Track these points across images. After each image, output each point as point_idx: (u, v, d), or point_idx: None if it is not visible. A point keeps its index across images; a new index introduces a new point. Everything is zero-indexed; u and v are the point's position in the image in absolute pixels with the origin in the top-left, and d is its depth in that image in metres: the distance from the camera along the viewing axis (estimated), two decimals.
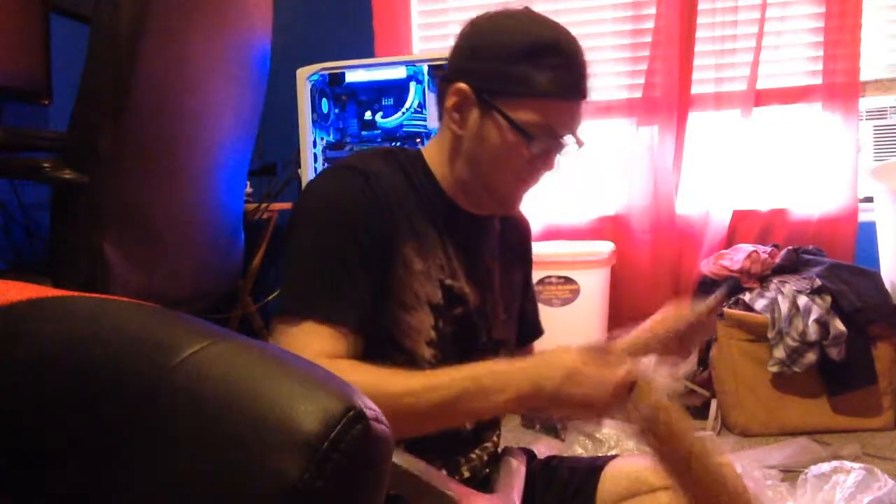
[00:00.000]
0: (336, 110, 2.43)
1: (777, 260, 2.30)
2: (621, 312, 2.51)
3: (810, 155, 2.57)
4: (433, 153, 1.00)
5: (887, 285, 2.19)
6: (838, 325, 2.08)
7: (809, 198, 2.56)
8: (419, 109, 2.36)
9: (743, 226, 2.61)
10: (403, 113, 2.37)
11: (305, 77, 2.31)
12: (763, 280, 2.27)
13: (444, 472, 0.94)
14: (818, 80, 2.54)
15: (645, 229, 2.65)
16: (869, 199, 2.47)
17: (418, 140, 2.36)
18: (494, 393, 0.82)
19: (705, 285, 2.38)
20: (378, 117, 2.40)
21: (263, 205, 2.47)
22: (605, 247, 2.47)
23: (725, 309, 2.20)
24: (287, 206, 2.57)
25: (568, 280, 2.34)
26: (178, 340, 0.47)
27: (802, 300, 2.12)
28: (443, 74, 0.98)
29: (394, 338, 0.92)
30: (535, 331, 1.20)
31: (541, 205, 2.68)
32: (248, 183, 2.38)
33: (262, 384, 0.44)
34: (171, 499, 0.42)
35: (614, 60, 2.73)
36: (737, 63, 2.61)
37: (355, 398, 0.43)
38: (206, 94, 1.61)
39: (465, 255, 0.99)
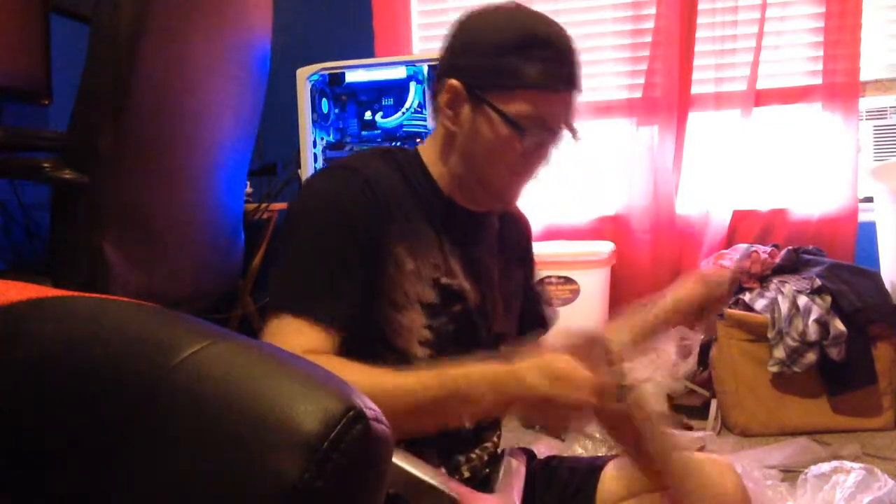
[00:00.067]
0: (336, 110, 2.43)
1: (777, 260, 2.30)
2: (621, 312, 2.51)
3: (810, 155, 2.57)
4: (429, 151, 1.00)
5: (887, 285, 2.19)
6: (838, 325, 2.08)
7: (809, 198, 2.56)
8: (419, 109, 2.36)
9: (743, 226, 2.61)
10: (403, 113, 2.37)
11: (305, 77, 2.31)
12: (763, 280, 2.27)
13: (443, 471, 0.94)
14: (818, 80, 2.54)
15: (645, 229, 2.65)
16: (869, 199, 2.47)
17: (418, 140, 2.36)
18: (469, 399, 0.81)
19: None
20: (378, 117, 2.40)
21: (263, 205, 2.47)
22: (605, 247, 2.47)
23: (725, 309, 2.20)
24: (287, 206, 2.57)
25: (568, 280, 2.34)
26: (178, 340, 0.47)
27: (802, 300, 2.12)
28: (435, 72, 0.99)
29: (385, 337, 0.92)
30: (545, 321, 1.20)
31: (541, 205, 2.68)
32: (248, 183, 2.38)
33: (262, 384, 0.44)
34: (171, 499, 0.42)
35: (614, 60, 2.73)
36: (737, 63, 2.61)
37: (355, 398, 0.43)
38: (206, 94, 1.61)
39: (463, 252, 0.99)
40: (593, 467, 1.04)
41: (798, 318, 2.10)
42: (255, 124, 1.88)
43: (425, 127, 2.35)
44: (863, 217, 2.48)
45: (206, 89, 1.61)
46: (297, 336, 0.84)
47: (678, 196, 2.64)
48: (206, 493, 0.41)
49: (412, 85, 2.35)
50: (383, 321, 0.92)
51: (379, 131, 2.40)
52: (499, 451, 1.07)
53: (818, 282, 2.15)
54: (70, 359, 0.48)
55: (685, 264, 2.62)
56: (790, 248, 2.33)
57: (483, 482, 1.00)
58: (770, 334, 2.12)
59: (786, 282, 2.20)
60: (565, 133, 0.96)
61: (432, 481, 0.79)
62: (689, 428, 2.16)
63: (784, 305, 2.12)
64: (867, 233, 2.43)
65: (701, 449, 2.01)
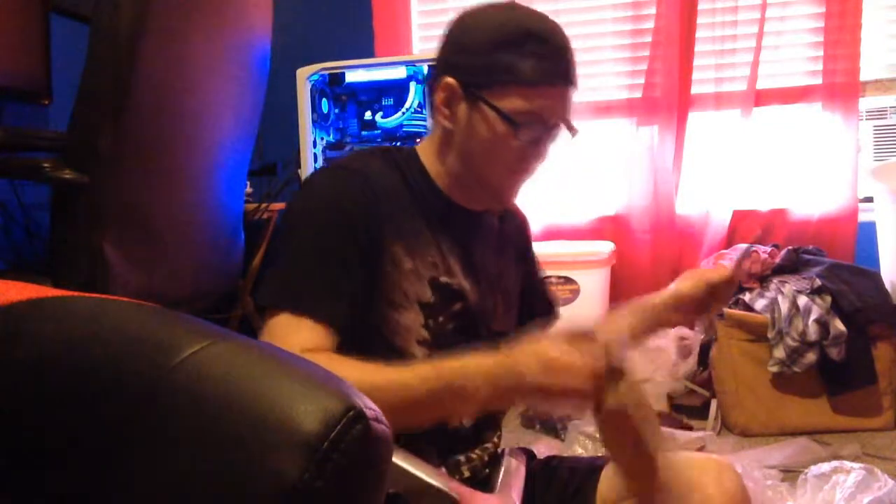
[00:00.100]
0: (336, 110, 2.43)
1: (777, 260, 2.30)
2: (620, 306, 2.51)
3: (810, 155, 2.57)
4: (427, 151, 1.01)
5: (887, 285, 2.19)
6: (838, 325, 2.08)
7: (809, 198, 2.56)
8: (419, 109, 2.36)
9: (743, 226, 2.61)
10: (403, 113, 2.37)
11: (305, 77, 2.31)
12: (763, 280, 2.27)
13: (444, 471, 0.94)
14: (818, 80, 2.54)
15: (645, 229, 2.65)
16: (869, 199, 2.47)
17: (418, 140, 2.36)
18: (464, 392, 0.80)
19: None
20: (378, 117, 2.40)
21: (263, 205, 2.47)
22: (605, 247, 2.47)
23: (725, 309, 2.20)
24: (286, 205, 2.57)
25: (568, 280, 2.34)
26: (178, 340, 0.47)
27: (802, 300, 2.12)
28: (431, 71, 0.99)
29: (384, 337, 0.92)
30: (549, 313, 1.20)
31: (541, 205, 2.68)
32: (248, 183, 2.38)
33: (262, 384, 0.44)
34: (171, 499, 0.42)
35: (614, 60, 2.73)
36: (737, 63, 2.61)
37: (355, 398, 0.43)
38: (206, 94, 1.61)
39: (462, 251, 1.00)
40: (593, 467, 1.04)
41: (798, 318, 2.10)
42: (255, 124, 1.88)
43: (425, 127, 2.35)
44: (863, 217, 2.48)
45: (206, 89, 1.61)
46: (296, 334, 0.84)
47: (678, 196, 2.64)
48: (206, 493, 0.41)
49: (412, 85, 2.35)
50: (382, 321, 0.92)
51: (379, 131, 2.40)
52: (499, 451, 1.07)
53: (818, 282, 2.15)
54: (70, 359, 0.48)
55: (685, 264, 2.62)
56: (790, 248, 2.33)
57: (483, 482, 1.00)
58: (770, 334, 2.12)
59: (786, 282, 2.20)
60: (562, 129, 0.97)
61: (432, 481, 0.79)
62: (689, 428, 2.16)
63: (784, 305, 2.12)
64: (867, 233, 2.43)
65: (701, 449, 2.01)
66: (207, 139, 1.66)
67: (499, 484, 0.98)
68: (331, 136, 2.43)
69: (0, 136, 1.54)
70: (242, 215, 1.94)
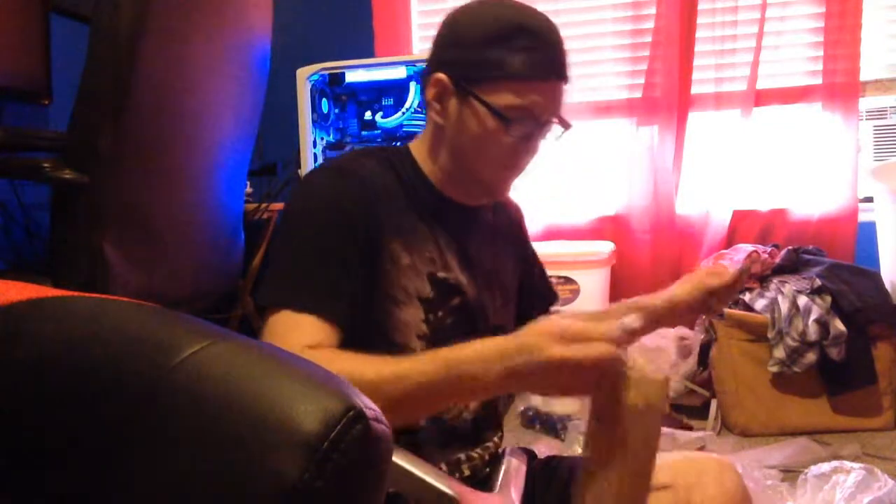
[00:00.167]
0: (336, 110, 2.43)
1: (777, 260, 2.30)
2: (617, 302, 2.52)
3: (810, 155, 2.57)
4: (420, 148, 1.01)
5: (887, 285, 2.19)
6: (838, 325, 2.08)
7: (809, 198, 2.56)
8: (419, 109, 2.36)
9: (743, 226, 2.61)
10: (403, 113, 2.37)
11: (305, 77, 2.31)
12: (763, 280, 2.27)
13: (444, 471, 0.94)
14: (818, 80, 2.54)
15: (645, 229, 2.65)
16: (869, 199, 2.47)
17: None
18: (476, 378, 0.77)
19: None
20: (378, 117, 2.40)
21: (263, 205, 2.47)
22: (605, 247, 2.47)
23: (725, 309, 2.20)
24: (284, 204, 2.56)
25: (568, 280, 2.34)
26: (178, 340, 0.47)
27: (802, 300, 2.12)
28: (424, 68, 0.99)
29: (384, 333, 0.92)
30: (551, 297, 1.21)
31: (541, 205, 2.68)
32: (248, 183, 2.38)
33: (262, 384, 0.44)
34: (171, 499, 0.42)
35: (614, 60, 2.73)
36: (737, 63, 2.61)
37: (355, 398, 0.43)
38: (206, 94, 1.61)
39: (458, 246, 1.00)
40: None
41: (798, 318, 2.10)
42: (255, 124, 1.87)
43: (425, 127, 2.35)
44: (863, 217, 2.48)
45: (206, 89, 1.60)
46: (297, 331, 0.84)
47: (678, 196, 2.65)
48: (206, 493, 0.41)
49: (412, 85, 2.35)
50: (383, 317, 0.92)
51: (379, 131, 2.40)
52: (500, 450, 1.07)
53: (818, 282, 2.15)
54: (70, 359, 0.48)
55: (685, 264, 2.62)
56: (790, 248, 2.33)
57: (483, 481, 1.00)
58: (770, 334, 2.12)
59: (786, 282, 2.20)
60: (555, 125, 0.96)
61: (432, 481, 0.79)
62: (689, 428, 2.16)
63: (784, 305, 2.12)
64: (867, 233, 2.43)
65: (701, 449, 2.01)
66: (207, 139, 1.66)
67: (499, 483, 0.99)
68: (331, 136, 2.43)
69: (0, 136, 1.54)
70: (242, 215, 1.94)
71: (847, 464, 1.64)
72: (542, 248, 2.42)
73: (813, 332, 2.07)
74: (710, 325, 2.23)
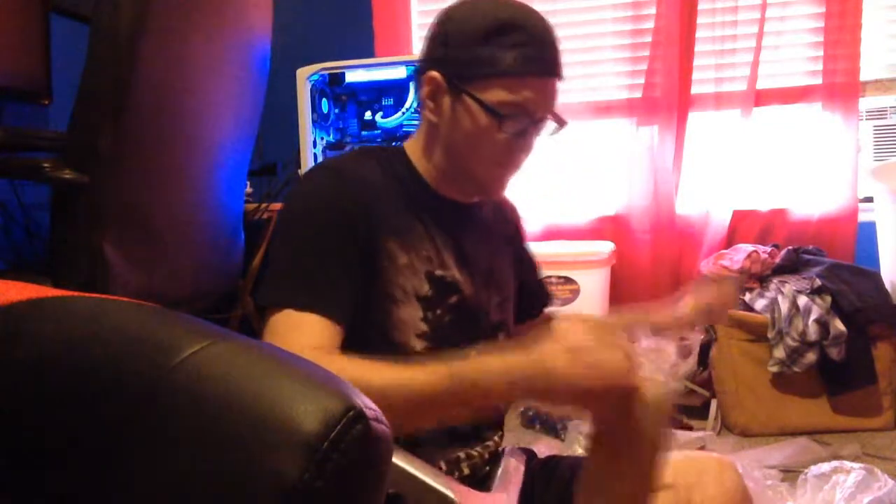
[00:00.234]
0: (336, 110, 2.43)
1: (777, 260, 2.30)
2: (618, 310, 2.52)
3: (810, 155, 2.57)
4: (415, 147, 1.01)
5: (887, 285, 2.19)
6: (838, 325, 2.08)
7: (809, 198, 2.56)
8: (419, 109, 2.36)
9: (743, 226, 2.61)
10: (403, 113, 2.37)
11: (305, 77, 2.31)
12: (763, 280, 2.27)
13: (444, 470, 0.94)
14: (818, 80, 2.54)
15: (645, 229, 2.65)
16: (869, 199, 2.47)
17: None
18: (490, 394, 0.77)
19: None
20: (378, 117, 2.40)
21: (263, 205, 2.47)
22: (605, 247, 2.47)
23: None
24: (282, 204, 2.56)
25: (568, 280, 2.34)
26: (178, 340, 0.47)
27: (802, 300, 2.12)
28: (417, 66, 0.99)
29: (384, 332, 0.93)
30: (545, 298, 1.20)
31: (541, 205, 2.68)
32: (248, 183, 2.38)
33: (262, 384, 0.44)
34: (171, 499, 0.42)
35: (614, 60, 2.73)
36: (737, 63, 2.61)
37: (355, 398, 0.43)
38: (206, 94, 1.61)
39: (454, 243, 1.00)
40: None
41: (798, 318, 2.10)
42: (255, 124, 1.87)
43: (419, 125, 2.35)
44: (863, 217, 2.48)
45: (206, 89, 1.60)
46: (299, 331, 0.84)
47: (678, 196, 2.64)
48: (206, 493, 0.41)
49: (412, 85, 2.35)
50: (383, 317, 0.92)
51: (379, 131, 2.40)
52: (500, 450, 1.07)
53: (818, 282, 2.15)
54: (70, 359, 0.48)
55: (685, 264, 2.62)
56: (790, 248, 2.33)
57: (482, 480, 1.00)
58: (770, 334, 2.12)
59: (786, 282, 2.20)
60: (549, 122, 0.96)
61: (432, 482, 0.79)
62: (689, 428, 2.16)
63: (784, 305, 2.12)
64: (867, 233, 2.43)
65: (701, 449, 2.01)
66: (207, 139, 1.66)
67: (497, 483, 0.99)
68: (331, 136, 2.43)
69: (0, 136, 1.54)
70: (242, 215, 1.94)
71: (847, 464, 1.64)
72: (541, 248, 2.43)
73: (813, 332, 2.07)
74: (710, 326, 2.23)
